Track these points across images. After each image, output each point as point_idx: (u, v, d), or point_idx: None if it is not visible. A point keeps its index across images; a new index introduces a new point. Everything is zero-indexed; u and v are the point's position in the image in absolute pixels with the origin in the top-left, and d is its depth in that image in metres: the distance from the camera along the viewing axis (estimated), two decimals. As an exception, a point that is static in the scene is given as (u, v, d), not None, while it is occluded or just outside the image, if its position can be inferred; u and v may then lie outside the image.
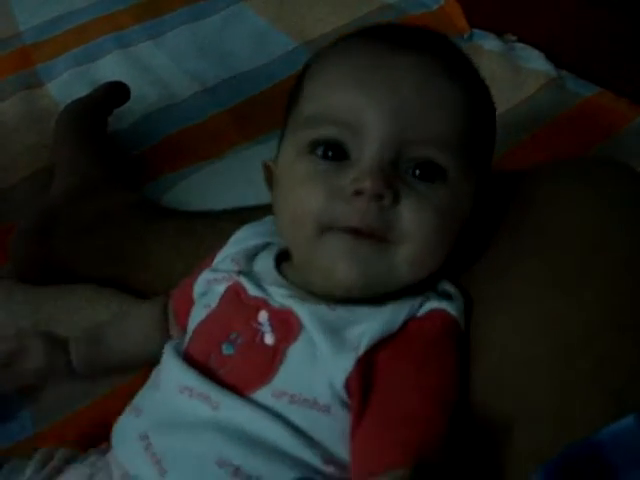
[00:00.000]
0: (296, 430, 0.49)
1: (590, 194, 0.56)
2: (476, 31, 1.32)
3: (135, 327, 0.69)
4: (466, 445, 0.49)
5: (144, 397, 0.57)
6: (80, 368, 0.68)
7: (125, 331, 0.69)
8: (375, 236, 0.50)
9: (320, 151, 0.53)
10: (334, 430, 0.49)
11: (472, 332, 0.54)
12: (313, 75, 0.57)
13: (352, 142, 0.52)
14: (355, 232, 0.50)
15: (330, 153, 0.52)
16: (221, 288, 0.58)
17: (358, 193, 0.50)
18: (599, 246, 0.52)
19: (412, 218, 0.50)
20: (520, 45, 1.27)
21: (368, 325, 0.50)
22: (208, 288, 0.60)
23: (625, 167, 0.59)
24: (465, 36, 1.31)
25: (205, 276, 0.61)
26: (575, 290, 0.50)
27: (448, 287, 0.56)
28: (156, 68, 1.30)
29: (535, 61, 1.21)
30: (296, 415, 0.49)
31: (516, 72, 1.18)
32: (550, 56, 1.22)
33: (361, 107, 0.51)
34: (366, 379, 0.49)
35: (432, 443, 0.47)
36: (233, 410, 0.50)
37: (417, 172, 0.51)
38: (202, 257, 0.65)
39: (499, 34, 1.30)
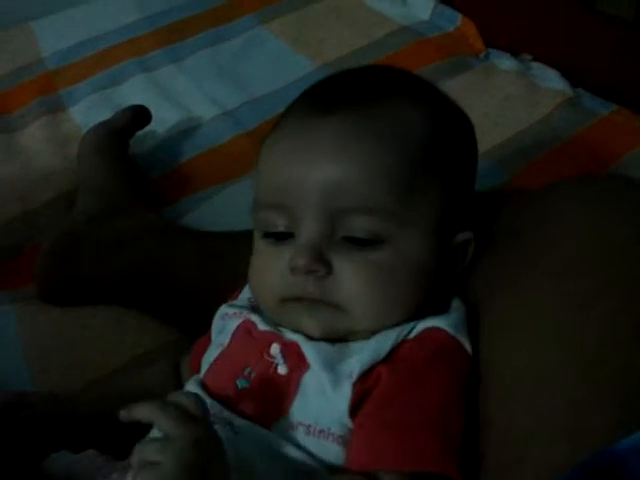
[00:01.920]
0: (313, 458, 0.50)
1: (601, 208, 0.57)
2: (492, 51, 1.33)
3: (147, 384, 0.68)
4: (477, 460, 0.50)
5: None
6: (88, 421, 0.66)
7: (137, 388, 0.68)
8: (324, 302, 0.53)
9: (269, 237, 0.56)
10: None
11: (486, 347, 0.55)
12: (259, 158, 0.59)
13: (291, 222, 0.54)
14: (308, 300, 0.53)
15: (274, 238, 0.56)
16: (233, 326, 0.60)
17: (294, 270, 0.53)
18: (612, 260, 0.53)
19: (350, 285, 0.52)
20: (536, 64, 1.28)
21: (360, 356, 0.52)
22: (223, 325, 0.62)
23: (632, 181, 0.60)
24: (481, 56, 1.32)
25: (223, 310, 0.63)
26: (589, 305, 0.51)
27: (451, 302, 0.58)
28: (177, 91, 1.33)
29: (551, 80, 1.22)
30: (313, 445, 0.50)
31: (532, 91, 1.19)
32: (566, 74, 1.23)
33: (290, 188, 0.54)
34: (365, 400, 0.51)
35: (429, 456, 0.48)
36: (254, 437, 0.51)
37: (349, 240, 0.53)
38: (224, 279, 0.66)
39: (515, 54, 1.31)
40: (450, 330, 0.54)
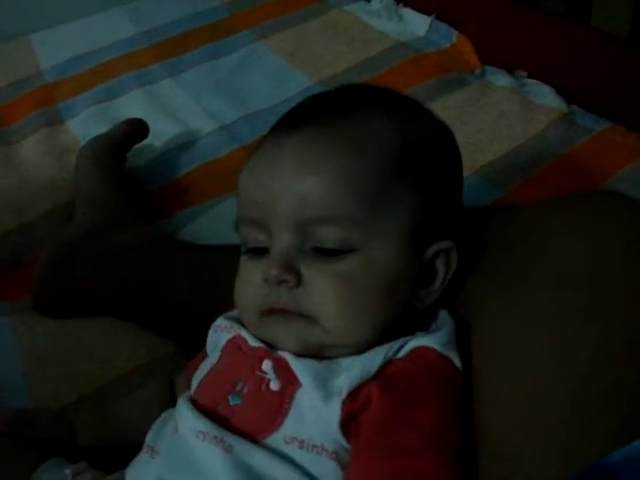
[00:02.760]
0: (307, 475, 0.50)
1: (594, 222, 0.57)
2: (488, 67, 1.34)
3: (142, 402, 0.69)
4: (474, 475, 0.50)
5: (160, 437, 0.58)
6: (84, 442, 0.67)
7: (132, 410, 0.68)
8: (297, 313, 0.54)
9: (249, 252, 0.58)
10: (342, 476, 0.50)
11: (479, 360, 0.55)
12: (239, 177, 0.61)
13: (267, 236, 0.56)
14: (282, 311, 0.54)
15: (253, 253, 0.58)
16: (223, 340, 0.60)
17: (267, 281, 0.54)
18: (605, 274, 0.53)
19: (319, 295, 0.53)
20: (531, 81, 1.29)
21: (348, 373, 0.52)
22: (216, 338, 0.62)
23: (623, 197, 0.60)
24: (477, 72, 1.33)
25: (217, 322, 0.64)
26: (583, 319, 0.52)
27: (440, 317, 0.58)
28: (175, 105, 1.34)
29: (546, 97, 1.23)
30: (306, 460, 0.50)
31: (527, 108, 1.19)
32: (561, 91, 1.24)
33: (260, 202, 0.55)
34: (356, 420, 0.50)
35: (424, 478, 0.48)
36: (246, 453, 0.51)
37: (319, 250, 0.54)
38: (219, 293, 0.66)
39: (510, 70, 1.33)
40: (439, 348, 0.54)
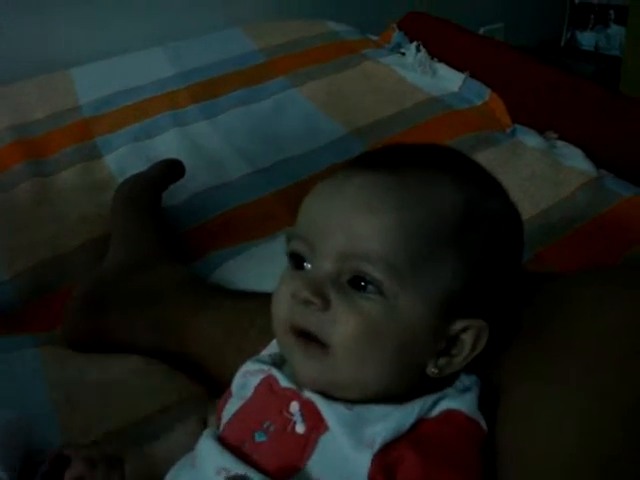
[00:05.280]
0: None
1: (622, 296, 0.58)
2: (518, 127, 1.36)
3: (180, 443, 0.68)
4: None
5: (178, 477, 0.59)
6: None
7: (172, 448, 0.68)
8: (319, 341, 0.55)
9: (291, 261, 0.59)
10: None
11: (507, 433, 0.55)
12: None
13: (309, 254, 0.57)
14: (303, 333, 0.55)
15: (295, 263, 0.59)
16: (256, 380, 0.61)
17: (294, 296, 0.56)
18: (634, 349, 0.54)
19: (342, 322, 0.54)
20: (561, 143, 1.31)
21: (381, 426, 0.52)
22: (245, 381, 0.63)
23: None
24: (508, 131, 1.35)
25: (244, 368, 0.64)
26: (616, 399, 0.52)
27: (469, 379, 0.58)
28: (209, 147, 1.36)
29: (575, 159, 1.24)
30: None
31: (557, 170, 1.21)
32: (588, 154, 1.25)
33: (314, 224, 0.57)
34: (387, 476, 0.51)
35: None
36: None
37: (350, 282, 0.55)
38: (252, 338, 0.68)
39: (540, 131, 1.35)
40: (469, 412, 0.54)
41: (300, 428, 0.54)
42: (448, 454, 0.52)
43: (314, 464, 0.52)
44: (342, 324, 0.54)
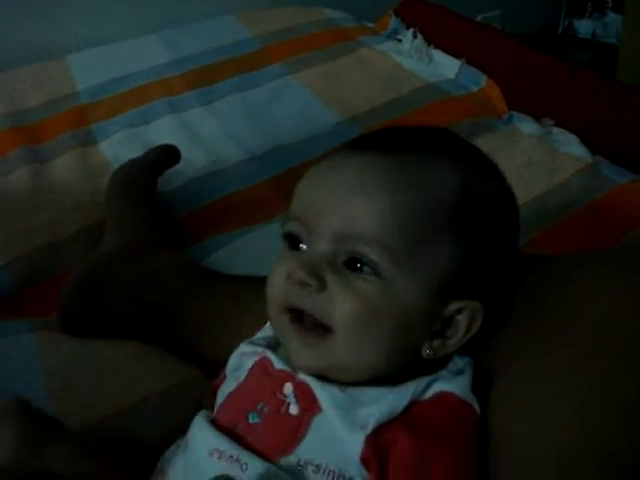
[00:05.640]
0: None
1: (619, 279, 0.58)
2: (515, 114, 1.36)
3: (175, 426, 0.67)
4: None
5: (170, 460, 0.59)
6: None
7: (167, 432, 0.67)
8: (317, 324, 0.55)
9: (287, 242, 0.59)
10: None
11: (500, 416, 0.56)
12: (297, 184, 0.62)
13: (305, 235, 0.57)
14: (300, 316, 0.55)
15: (291, 244, 0.59)
16: (250, 362, 0.61)
17: (289, 278, 0.56)
18: (632, 332, 0.54)
19: (339, 303, 0.54)
20: (557, 130, 1.31)
21: (375, 407, 0.52)
22: (240, 362, 0.63)
23: None
24: (504, 118, 1.35)
25: (239, 349, 0.64)
26: (612, 386, 0.52)
27: (462, 360, 0.58)
28: (205, 134, 1.36)
29: (571, 146, 1.25)
30: None
31: (553, 156, 1.21)
32: (584, 141, 1.25)
33: (310, 206, 0.57)
34: (379, 457, 0.51)
35: None
36: (260, 472, 0.52)
37: (346, 263, 0.55)
38: (247, 323, 0.68)
39: (537, 118, 1.35)
40: (462, 394, 0.55)
41: (294, 409, 0.54)
42: (441, 436, 0.52)
43: (307, 445, 0.53)
44: (339, 304, 0.54)
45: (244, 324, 0.77)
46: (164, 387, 0.80)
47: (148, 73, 1.60)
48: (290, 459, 0.52)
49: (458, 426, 0.54)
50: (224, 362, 0.66)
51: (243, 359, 0.63)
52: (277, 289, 0.57)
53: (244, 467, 0.52)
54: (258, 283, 0.75)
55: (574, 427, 0.52)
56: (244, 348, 0.64)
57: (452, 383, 0.55)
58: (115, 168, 1.19)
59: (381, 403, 0.53)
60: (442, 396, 0.54)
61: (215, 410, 0.61)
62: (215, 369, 0.71)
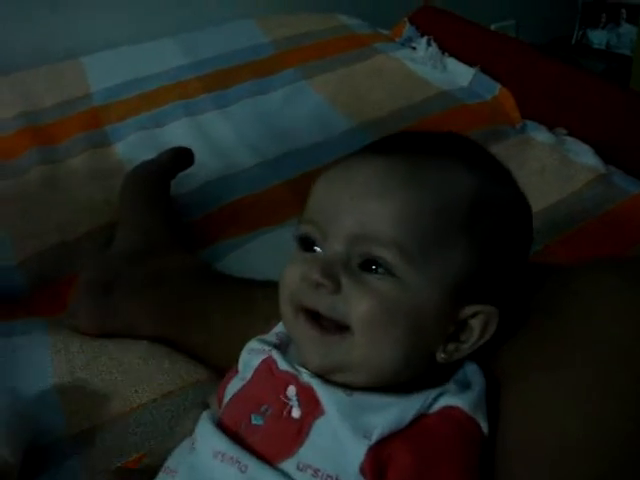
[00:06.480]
0: None
1: (629, 291, 0.58)
2: (528, 122, 1.36)
3: (185, 428, 0.68)
4: None
5: (179, 460, 0.59)
6: None
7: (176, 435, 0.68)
8: (335, 324, 0.55)
9: (300, 245, 0.59)
10: None
11: (512, 429, 0.56)
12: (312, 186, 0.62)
13: (319, 237, 0.57)
14: (316, 317, 0.55)
15: (304, 247, 0.59)
16: (256, 361, 0.61)
17: (304, 279, 0.56)
18: None
19: (355, 303, 0.54)
20: (570, 139, 1.31)
21: (381, 418, 0.52)
22: (248, 359, 0.63)
23: None
24: (517, 127, 1.35)
25: (250, 345, 0.64)
26: (621, 392, 0.52)
27: (470, 371, 0.58)
28: (219, 137, 1.37)
29: (584, 155, 1.24)
30: None
31: (566, 165, 1.21)
32: (598, 151, 1.25)
33: (325, 207, 0.57)
34: (379, 470, 0.51)
35: None
36: (260, 474, 0.52)
37: (361, 265, 0.55)
38: (258, 327, 0.68)
39: (550, 127, 1.34)
40: (468, 410, 0.54)
41: (296, 413, 0.54)
42: (444, 453, 0.52)
43: (307, 449, 0.53)
44: (355, 304, 0.54)
45: (255, 329, 0.76)
46: (174, 387, 0.80)
47: (164, 76, 1.60)
48: (290, 463, 0.52)
49: (462, 442, 0.53)
50: (233, 366, 0.66)
51: (252, 355, 0.63)
52: (290, 290, 0.57)
53: (244, 468, 0.52)
54: (271, 287, 0.75)
55: (586, 435, 0.52)
56: (253, 344, 0.64)
57: (459, 397, 0.55)
58: (129, 170, 1.19)
59: (387, 412, 0.52)
60: (448, 410, 0.54)
61: (222, 409, 0.61)
62: (223, 372, 0.71)
